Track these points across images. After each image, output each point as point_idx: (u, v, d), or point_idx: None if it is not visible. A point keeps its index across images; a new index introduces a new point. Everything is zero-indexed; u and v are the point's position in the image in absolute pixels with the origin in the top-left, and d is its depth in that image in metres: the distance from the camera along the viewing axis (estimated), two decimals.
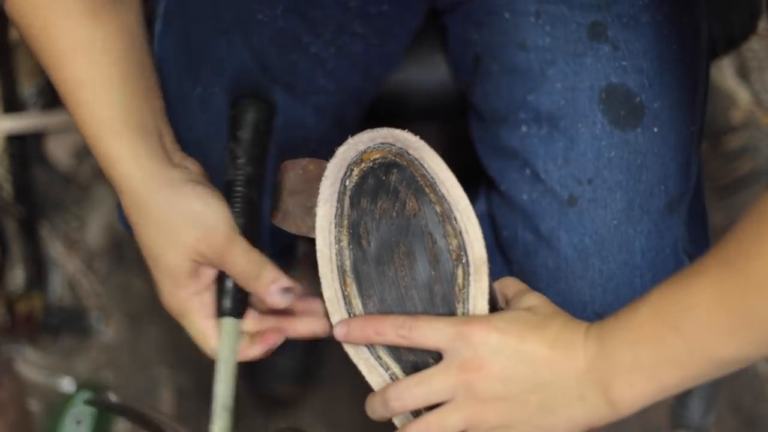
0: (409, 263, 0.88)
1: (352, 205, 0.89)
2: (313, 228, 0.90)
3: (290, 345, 1.79)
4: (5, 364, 1.93)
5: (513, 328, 0.82)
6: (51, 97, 2.03)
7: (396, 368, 0.89)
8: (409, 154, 0.88)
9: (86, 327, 1.96)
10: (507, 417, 0.83)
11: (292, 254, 1.39)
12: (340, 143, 0.90)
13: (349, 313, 0.90)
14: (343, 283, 0.90)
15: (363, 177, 0.89)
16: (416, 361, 0.89)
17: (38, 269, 1.95)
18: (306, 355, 1.87)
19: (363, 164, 0.89)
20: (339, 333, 0.89)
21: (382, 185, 0.88)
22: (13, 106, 1.99)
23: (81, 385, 1.92)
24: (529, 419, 0.83)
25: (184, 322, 0.97)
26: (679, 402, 1.86)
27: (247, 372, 1.90)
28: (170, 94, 1.02)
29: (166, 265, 0.93)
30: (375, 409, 0.88)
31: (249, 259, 0.91)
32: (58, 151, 2.02)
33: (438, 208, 0.88)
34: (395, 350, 0.89)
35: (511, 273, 1.08)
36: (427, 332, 0.85)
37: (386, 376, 0.89)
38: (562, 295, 1.04)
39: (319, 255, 0.90)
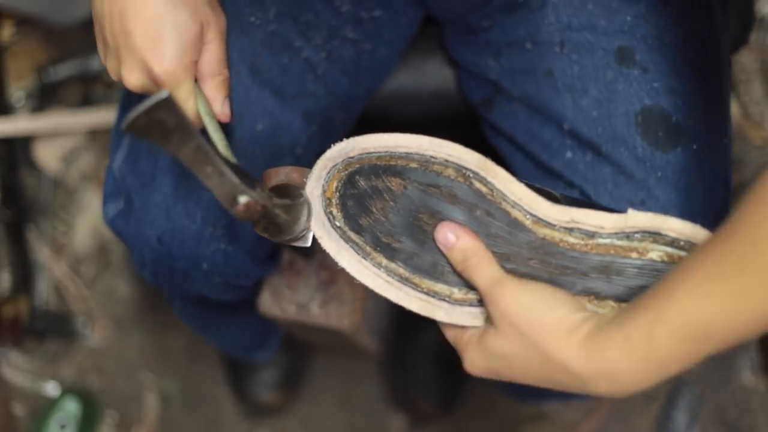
0: (440, 220, 0.89)
1: (358, 231, 0.90)
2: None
3: (275, 352, 1.80)
4: None
5: (535, 317, 0.82)
6: (39, 101, 2.03)
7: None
8: (352, 157, 0.90)
9: (72, 331, 1.96)
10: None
11: (276, 261, 1.39)
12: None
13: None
14: (415, 285, 0.91)
15: (342, 210, 0.90)
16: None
17: (25, 273, 1.95)
18: (290, 363, 1.87)
19: (332, 206, 0.90)
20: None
21: (360, 197, 0.89)
22: (1, 109, 1.99)
23: (66, 390, 1.92)
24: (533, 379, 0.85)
25: (182, 87, 0.92)
26: (664, 414, 1.86)
27: (233, 380, 1.90)
28: None
29: (176, 25, 0.90)
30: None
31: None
32: (46, 155, 2.02)
33: (413, 165, 0.89)
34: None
35: None
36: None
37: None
38: None
39: (378, 291, 0.90)
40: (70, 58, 2.03)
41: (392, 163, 0.89)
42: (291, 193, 0.90)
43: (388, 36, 1.20)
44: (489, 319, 0.86)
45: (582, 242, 0.87)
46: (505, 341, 0.84)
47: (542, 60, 1.08)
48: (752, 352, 1.89)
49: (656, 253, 0.86)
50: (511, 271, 0.88)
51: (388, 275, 0.90)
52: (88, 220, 2.01)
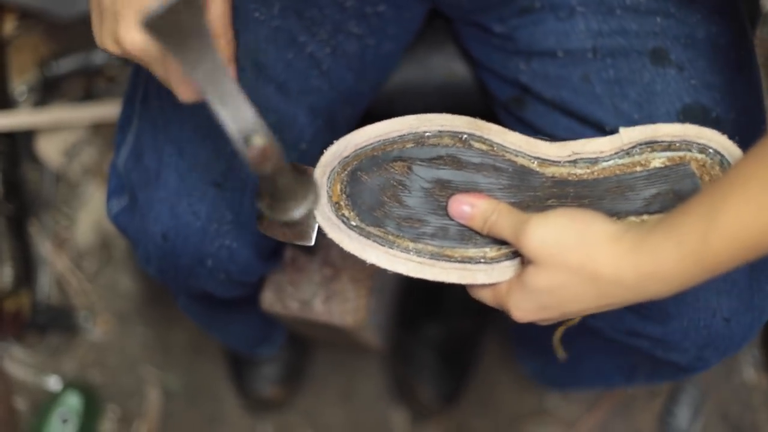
0: (453, 190, 0.91)
1: (376, 223, 0.90)
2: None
3: (277, 347, 1.80)
4: None
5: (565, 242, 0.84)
6: (42, 95, 2.03)
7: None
8: (347, 156, 0.90)
9: (74, 326, 1.96)
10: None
11: (279, 257, 1.39)
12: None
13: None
14: (448, 257, 0.91)
15: (354, 209, 0.91)
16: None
17: (27, 267, 1.95)
18: (292, 357, 1.87)
19: (342, 208, 0.90)
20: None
21: (368, 191, 0.90)
22: (4, 103, 1.99)
23: (68, 384, 1.92)
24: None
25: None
26: (666, 410, 1.86)
27: (235, 374, 1.90)
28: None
29: None
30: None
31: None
32: (49, 149, 2.02)
33: (410, 145, 0.91)
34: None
35: None
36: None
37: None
38: (691, 305, 1.05)
39: (413, 274, 0.90)
40: (73, 52, 2.03)
41: (389, 149, 0.90)
42: (300, 171, 0.89)
43: (393, 31, 1.20)
44: (524, 262, 0.87)
45: (588, 171, 0.92)
46: (547, 274, 0.84)
47: (576, 67, 1.09)
48: (754, 349, 1.89)
49: (658, 160, 0.92)
50: None
51: (419, 256, 0.90)
52: (90, 214, 2.01)
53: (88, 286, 1.99)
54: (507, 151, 0.91)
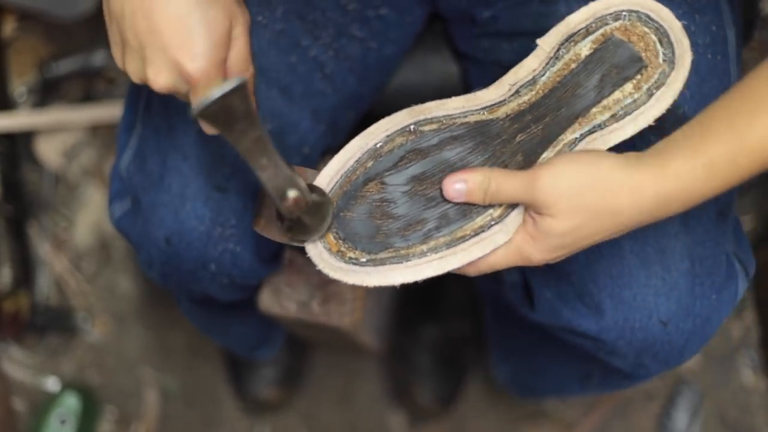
0: (432, 178, 0.91)
1: (384, 247, 0.90)
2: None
3: (275, 349, 1.80)
4: None
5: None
6: (41, 97, 2.03)
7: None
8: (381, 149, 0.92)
9: (72, 327, 1.96)
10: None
11: (280, 260, 1.40)
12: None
13: None
14: (463, 238, 0.91)
15: (355, 248, 0.91)
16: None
17: (25, 268, 1.95)
18: (290, 359, 1.87)
19: (345, 253, 0.91)
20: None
21: (358, 225, 0.91)
22: (3, 104, 1.99)
23: (66, 385, 1.92)
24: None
25: (211, 84, 0.86)
26: (664, 412, 1.87)
27: (233, 376, 1.90)
28: None
29: (206, 22, 0.84)
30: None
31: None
32: (48, 150, 2.02)
33: (370, 163, 0.91)
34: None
35: (570, 283, 1.09)
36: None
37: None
38: (627, 303, 1.05)
39: (440, 272, 0.90)
40: (73, 53, 2.02)
41: (354, 178, 0.91)
42: (315, 191, 0.90)
43: (395, 34, 1.20)
44: (529, 211, 0.88)
45: (533, 92, 0.94)
46: (567, 221, 0.86)
47: None
48: (752, 351, 1.89)
49: (585, 49, 0.94)
50: None
51: (437, 252, 0.89)
52: (89, 215, 2.01)
53: (86, 287, 1.99)
54: (455, 118, 0.92)
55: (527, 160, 0.92)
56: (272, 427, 1.91)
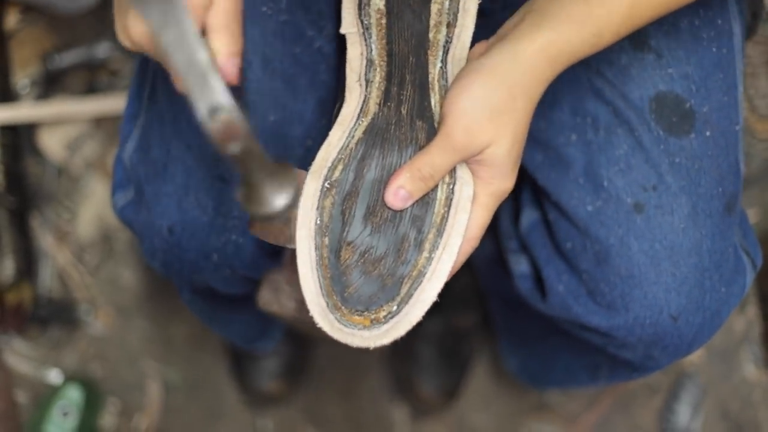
0: (378, 202, 0.90)
1: (395, 289, 0.91)
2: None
3: (278, 342, 1.80)
4: None
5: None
6: (44, 89, 2.03)
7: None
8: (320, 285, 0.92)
9: (75, 319, 1.96)
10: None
11: (282, 254, 1.39)
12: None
13: None
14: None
15: (353, 311, 0.92)
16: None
17: (28, 260, 1.95)
18: (293, 352, 1.87)
19: (353, 319, 0.92)
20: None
21: (361, 292, 0.91)
22: (6, 96, 1.99)
23: (69, 377, 1.92)
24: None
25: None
26: (666, 406, 1.87)
27: (235, 368, 1.90)
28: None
29: None
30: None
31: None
32: (51, 142, 2.02)
33: (326, 239, 0.89)
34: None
35: (581, 281, 1.09)
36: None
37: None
38: (638, 301, 1.05)
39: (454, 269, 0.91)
40: (76, 45, 2.02)
41: (327, 263, 0.89)
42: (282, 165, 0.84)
43: None
44: (469, 163, 0.88)
45: (378, 69, 0.94)
46: (500, 138, 0.86)
47: None
48: (755, 346, 1.89)
49: (380, 2, 0.95)
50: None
51: (436, 247, 0.89)
52: (92, 207, 2.01)
53: (89, 279, 1.99)
54: (347, 145, 0.91)
55: (426, 119, 0.91)
56: (274, 420, 1.91)
